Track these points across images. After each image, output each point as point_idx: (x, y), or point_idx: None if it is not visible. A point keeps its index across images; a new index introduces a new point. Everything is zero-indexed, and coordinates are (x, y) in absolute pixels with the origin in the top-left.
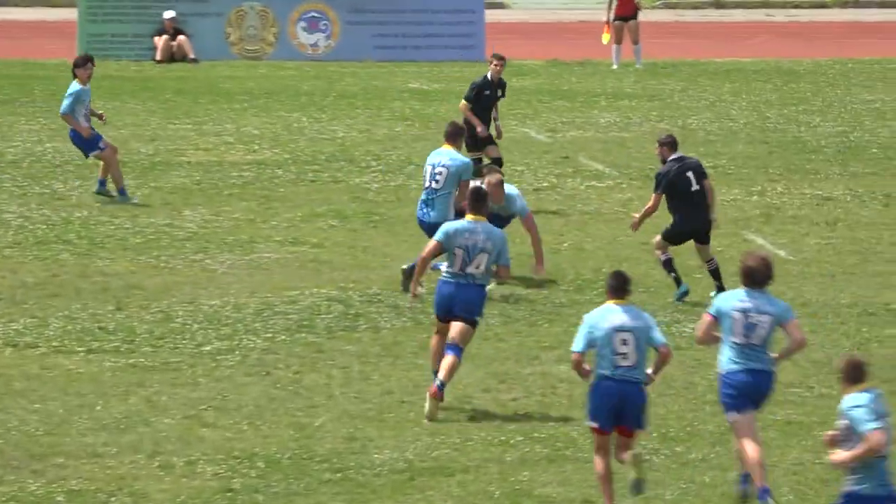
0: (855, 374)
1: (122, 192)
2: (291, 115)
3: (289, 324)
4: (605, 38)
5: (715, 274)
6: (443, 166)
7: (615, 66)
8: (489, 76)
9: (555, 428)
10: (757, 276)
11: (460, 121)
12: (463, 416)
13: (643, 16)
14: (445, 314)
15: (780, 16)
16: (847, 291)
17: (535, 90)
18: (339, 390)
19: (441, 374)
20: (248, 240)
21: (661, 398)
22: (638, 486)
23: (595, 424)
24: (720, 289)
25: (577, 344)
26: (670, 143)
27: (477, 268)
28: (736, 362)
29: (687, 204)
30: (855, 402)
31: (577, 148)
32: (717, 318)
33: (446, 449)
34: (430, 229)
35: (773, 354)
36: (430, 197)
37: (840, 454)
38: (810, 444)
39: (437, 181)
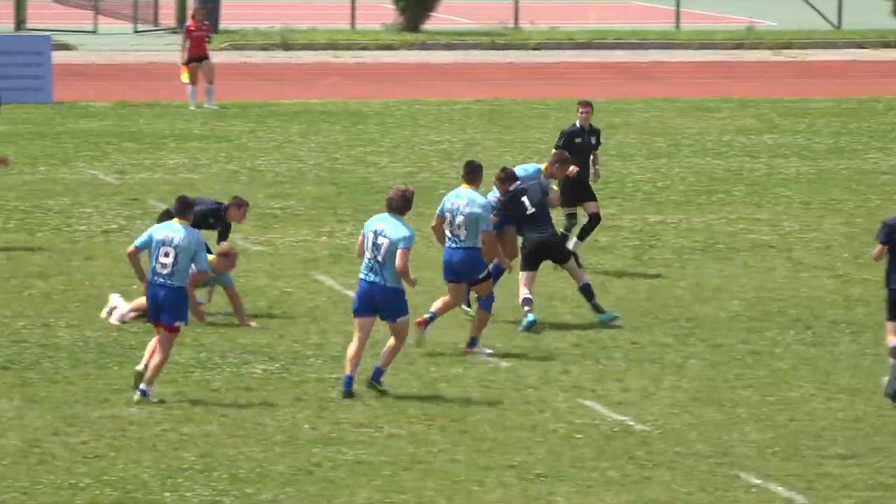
0: None
1: None
2: None
3: None
4: (185, 76)
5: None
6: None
7: (192, 107)
8: (577, 123)
9: (125, 471)
10: (393, 204)
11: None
12: (32, 459)
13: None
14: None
15: (347, 57)
16: (417, 332)
17: (103, 132)
18: None
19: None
20: None
21: (231, 439)
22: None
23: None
24: (595, 307)
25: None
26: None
27: (459, 228)
28: (363, 273)
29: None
30: None
31: (146, 190)
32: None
33: (14, 493)
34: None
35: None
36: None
37: None
38: (379, 483)
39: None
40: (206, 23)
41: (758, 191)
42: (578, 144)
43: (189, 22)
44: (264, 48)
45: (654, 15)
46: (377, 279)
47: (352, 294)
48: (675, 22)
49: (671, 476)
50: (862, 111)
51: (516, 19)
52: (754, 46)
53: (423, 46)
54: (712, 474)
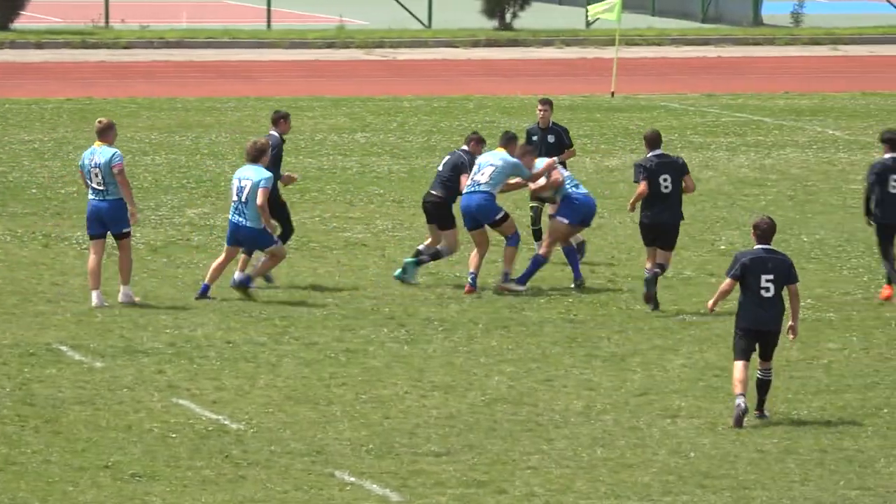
0: None
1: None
2: None
3: None
4: None
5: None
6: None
7: None
8: (538, 122)
9: None
10: (249, 153)
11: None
12: None
13: None
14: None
15: None
16: (8, 332)
17: None
18: None
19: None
20: None
21: None
22: None
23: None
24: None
25: None
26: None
27: (483, 176)
28: (231, 215)
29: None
30: None
31: None
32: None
33: None
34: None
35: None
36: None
37: None
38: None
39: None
40: None
41: (350, 189)
42: (535, 143)
43: None
44: None
45: (245, 14)
46: (243, 220)
47: None
48: (267, 21)
49: (266, 475)
50: (453, 109)
51: (107, 18)
52: (346, 45)
53: (13, 45)
54: (307, 473)
